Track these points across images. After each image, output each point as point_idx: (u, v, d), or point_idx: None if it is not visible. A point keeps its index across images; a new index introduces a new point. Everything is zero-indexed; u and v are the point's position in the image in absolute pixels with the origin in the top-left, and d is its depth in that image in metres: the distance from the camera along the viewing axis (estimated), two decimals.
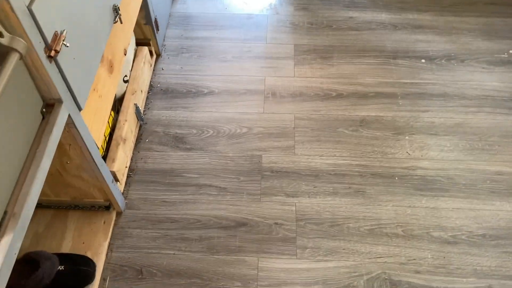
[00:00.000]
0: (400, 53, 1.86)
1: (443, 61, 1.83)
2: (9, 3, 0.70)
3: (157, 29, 1.76)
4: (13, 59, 0.73)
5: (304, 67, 1.82)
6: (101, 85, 1.17)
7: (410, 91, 1.73)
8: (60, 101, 0.92)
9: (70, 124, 0.99)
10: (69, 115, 0.96)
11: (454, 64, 1.82)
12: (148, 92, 1.71)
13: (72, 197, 1.33)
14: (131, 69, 1.58)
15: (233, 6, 2.04)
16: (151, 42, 1.75)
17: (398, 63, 1.82)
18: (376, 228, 1.39)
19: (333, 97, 1.72)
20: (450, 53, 1.86)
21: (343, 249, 1.35)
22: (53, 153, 0.90)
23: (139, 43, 1.72)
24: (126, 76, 1.52)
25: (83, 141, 1.06)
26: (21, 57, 0.76)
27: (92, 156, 1.12)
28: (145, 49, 1.66)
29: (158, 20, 1.76)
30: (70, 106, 0.96)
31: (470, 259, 1.33)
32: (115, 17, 1.23)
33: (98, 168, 1.17)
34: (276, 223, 1.40)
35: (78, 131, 1.02)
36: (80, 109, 1.01)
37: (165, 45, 1.88)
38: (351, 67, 1.82)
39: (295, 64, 1.83)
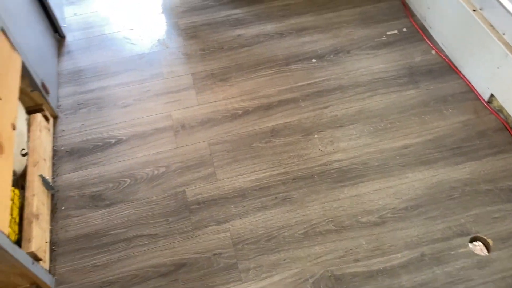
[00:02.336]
0: (291, 58, 1.94)
1: (331, 56, 1.94)
2: None
3: (47, 92, 1.69)
4: None
5: (206, 93, 1.84)
6: None
7: (309, 92, 1.81)
8: None
9: None
10: None
11: (342, 57, 1.93)
12: (53, 158, 1.64)
13: None
14: (28, 141, 1.50)
15: (121, 50, 2.02)
16: (44, 107, 1.67)
17: (292, 68, 1.90)
18: (309, 230, 1.43)
19: (240, 115, 1.76)
20: (336, 47, 1.98)
21: (284, 260, 1.37)
22: None
23: (31, 111, 1.64)
24: (23, 149, 1.44)
25: None
26: None
27: (0, 246, 1.05)
28: (39, 116, 1.59)
29: (46, 83, 1.70)
30: None
31: (399, 234, 1.41)
32: None
33: (11, 255, 1.10)
34: (214, 254, 1.39)
35: None
36: None
37: (60, 105, 1.81)
38: (250, 82, 1.87)
39: (196, 92, 1.85)
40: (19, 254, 1.14)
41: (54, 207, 1.51)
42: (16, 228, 1.28)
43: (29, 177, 1.42)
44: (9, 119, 1.28)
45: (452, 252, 1.37)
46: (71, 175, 1.59)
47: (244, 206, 1.50)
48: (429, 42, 1.96)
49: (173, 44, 2.04)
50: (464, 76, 1.82)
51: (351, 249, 1.38)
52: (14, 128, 1.31)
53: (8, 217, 1.14)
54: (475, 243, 1.40)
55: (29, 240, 1.27)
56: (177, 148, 1.66)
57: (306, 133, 1.68)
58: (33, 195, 1.38)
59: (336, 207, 1.47)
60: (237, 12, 2.16)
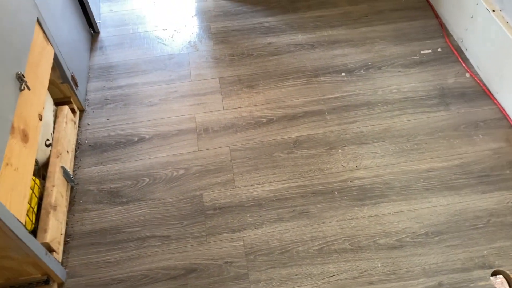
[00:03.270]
0: (320, 70, 1.92)
1: (361, 71, 1.91)
2: None
3: (76, 85, 1.72)
4: None
5: (232, 98, 1.83)
6: (15, 158, 1.12)
7: (335, 106, 1.78)
8: None
9: None
10: None
11: (372, 73, 1.90)
12: (76, 151, 1.65)
13: (5, 279, 1.25)
14: (53, 131, 1.52)
15: (152, 50, 2.04)
16: (71, 99, 1.70)
17: (321, 80, 1.88)
18: (324, 246, 1.40)
19: (264, 123, 1.74)
20: (367, 62, 1.94)
21: (296, 275, 1.34)
22: None
23: (59, 102, 1.67)
24: (48, 140, 1.47)
25: (3, 222, 1.00)
26: None
27: (16, 235, 1.06)
28: (66, 108, 1.61)
29: (76, 76, 1.72)
30: None
31: (417, 260, 1.36)
32: (21, 85, 1.19)
33: (26, 244, 1.11)
34: (226, 262, 1.37)
35: None
36: None
37: (87, 99, 1.84)
38: (277, 91, 1.85)
39: (222, 97, 1.84)
40: (33, 244, 1.15)
41: (72, 199, 1.52)
42: (33, 217, 1.29)
43: (51, 168, 1.43)
44: (36, 109, 1.30)
45: (472, 285, 1.31)
46: (91, 169, 1.60)
47: (260, 216, 1.48)
48: (464, 64, 1.91)
49: (203, 47, 2.05)
50: (498, 102, 1.76)
51: (366, 271, 1.34)
52: (40, 118, 1.32)
53: (26, 206, 1.15)
54: (497, 276, 1.34)
55: (45, 231, 1.28)
56: (198, 151, 1.66)
57: (329, 147, 1.65)
58: (53, 186, 1.39)
59: (354, 226, 1.44)
60: (270, 20, 2.15)
